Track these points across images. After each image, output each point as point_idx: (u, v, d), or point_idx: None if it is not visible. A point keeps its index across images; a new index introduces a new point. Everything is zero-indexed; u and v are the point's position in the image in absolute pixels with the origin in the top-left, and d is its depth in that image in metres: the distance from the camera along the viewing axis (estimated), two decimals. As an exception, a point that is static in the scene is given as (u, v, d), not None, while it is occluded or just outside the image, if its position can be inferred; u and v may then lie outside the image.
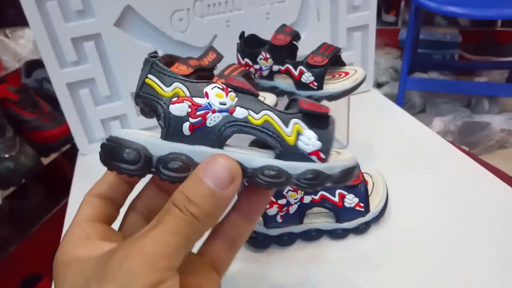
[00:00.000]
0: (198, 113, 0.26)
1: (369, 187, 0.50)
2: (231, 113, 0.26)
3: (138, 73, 0.27)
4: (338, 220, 0.47)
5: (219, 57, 0.56)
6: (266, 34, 0.57)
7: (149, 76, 0.26)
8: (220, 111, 0.26)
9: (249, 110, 0.26)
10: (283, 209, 0.45)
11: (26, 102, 0.94)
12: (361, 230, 0.47)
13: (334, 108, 0.63)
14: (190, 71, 0.51)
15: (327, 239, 0.48)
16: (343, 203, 0.46)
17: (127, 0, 0.60)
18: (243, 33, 0.59)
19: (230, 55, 0.58)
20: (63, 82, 0.63)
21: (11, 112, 0.91)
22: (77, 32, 0.60)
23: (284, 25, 0.57)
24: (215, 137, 0.26)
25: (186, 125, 0.26)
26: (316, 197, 0.46)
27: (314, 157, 0.27)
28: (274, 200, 0.44)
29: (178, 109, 0.26)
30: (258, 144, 0.31)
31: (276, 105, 0.51)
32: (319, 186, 0.27)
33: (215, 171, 0.24)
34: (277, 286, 0.43)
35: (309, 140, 0.27)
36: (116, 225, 0.30)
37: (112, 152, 0.26)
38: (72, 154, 0.73)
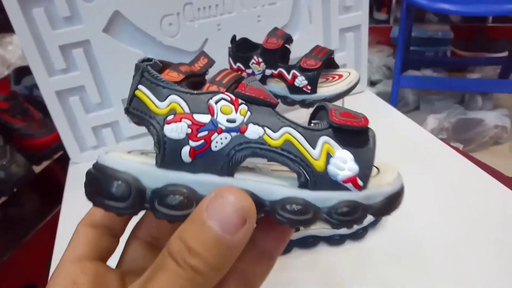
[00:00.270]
0: (200, 134, 0.21)
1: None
2: (242, 133, 0.21)
3: (129, 79, 0.23)
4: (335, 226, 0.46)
5: (211, 62, 0.55)
6: (258, 37, 0.56)
7: (140, 87, 0.22)
8: (228, 130, 0.21)
9: (265, 128, 0.21)
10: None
11: (16, 110, 0.93)
12: (358, 235, 0.47)
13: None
14: (181, 77, 0.50)
15: (324, 245, 0.47)
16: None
17: (115, 6, 0.59)
18: (234, 37, 0.58)
19: (222, 59, 0.57)
20: (52, 90, 0.62)
21: (0, 120, 0.90)
22: (65, 39, 0.59)
23: (276, 29, 0.56)
24: (223, 164, 0.21)
25: (185, 150, 0.21)
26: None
27: (349, 185, 0.22)
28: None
29: (174, 130, 0.21)
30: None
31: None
32: (357, 222, 0.22)
33: (222, 212, 0.19)
34: (275, 295, 0.42)
35: (343, 163, 0.21)
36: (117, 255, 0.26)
37: (96, 185, 0.21)
38: (64, 160, 0.72)
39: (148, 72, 0.22)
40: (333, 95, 0.53)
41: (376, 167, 0.25)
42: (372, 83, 1.84)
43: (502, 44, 1.87)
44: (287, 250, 0.46)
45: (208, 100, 0.21)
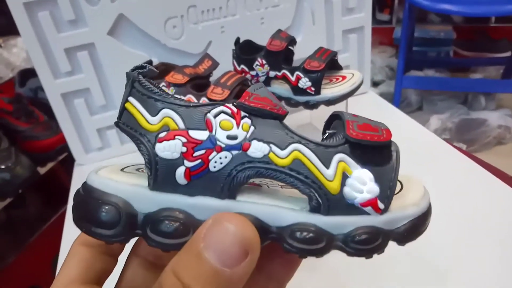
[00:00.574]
0: (196, 153, 0.19)
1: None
2: (245, 151, 0.19)
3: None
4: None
5: (215, 64, 0.55)
6: (261, 39, 0.57)
7: (130, 99, 0.19)
8: (229, 148, 0.19)
9: (271, 145, 0.19)
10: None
11: (21, 112, 0.94)
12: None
13: (332, 111, 0.63)
14: (185, 79, 0.50)
15: (328, 246, 0.47)
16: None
17: (119, 9, 0.60)
18: (238, 39, 0.58)
19: (226, 62, 0.57)
20: (58, 92, 0.62)
21: (5, 122, 0.90)
22: (70, 42, 0.60)
23: (279, 31, 0.56)
24: (223, 186, 0.19)
25: (180, 171, 0.19)
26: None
27: (368, 209, 0.19)
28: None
29: (167, 149, 0.18)
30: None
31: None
32: (377, 251, 0.19)
33: (221, 242, 0.17)
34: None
35: (362, 185, 0.19)
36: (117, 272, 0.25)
37: (84, 209, 0.19)
38: (69, 162, 0.73)
39: (139, 82, 0.19)
40: (336, 97, 0.53)
41: (399, 180, 0.22)
42: (374, 84, 1.84)
43: (505, 44, 1.87)
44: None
45: (206, 113, 0.19)
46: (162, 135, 0.19)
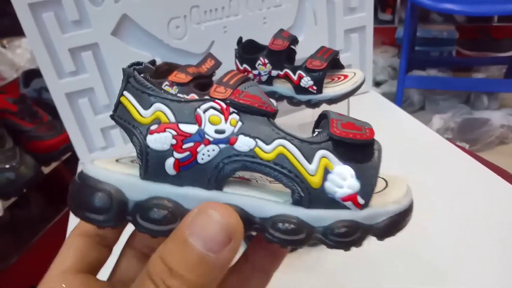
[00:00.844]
0: (185, 145, 0.19)
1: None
2: (232, 144, 0.20)
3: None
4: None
5: (218, 64, 0.56)
6: (264, 38, 0.57)
7: (125, 93, 0.21)
8: (216, 142, 0.20)
9: (257, 140, 0.20)
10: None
11: (25, 112, 0.94)
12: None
13: (334, 110, 0.63)
14: (189, 79, 0.51)
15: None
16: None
17: (123, 9, 0.60)
18: (240, 38, 0.59)
19: (228, 61, 0.58)
20: (62, 92, 0.63)
21: (10, 123, 0.91)
22: (74, 42, 0.60)
23: (281, 30, 0.57)
24: (210, 177, 0.20)
25: (170, 162, 0.20)
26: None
27: (348, 203, 0.20)
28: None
29: (158, 140, 0.19)
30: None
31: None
32: (355, 244, 0.20)
33: (205, 229, 0.18)
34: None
35: (342, 180, 0.20)
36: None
37: (79, 196, 0.20)
38: (73, 162, 0.73)
39: (134, 78, 0.21)
40: (338, 95, 0.53)
41: (384, 179, 0.23)
42: (377, 84, 1.84)
43: (508, 43, 1.87)
44: (292, 249, 0.47)
45: (196, 108, 0.20)
46: (153, 127, 0.20)
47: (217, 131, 0.20)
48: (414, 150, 0.63)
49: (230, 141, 0.20)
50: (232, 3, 0.65)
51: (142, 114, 0.20)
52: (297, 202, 0.20)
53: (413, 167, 0.59)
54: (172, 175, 0.20)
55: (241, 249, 0.23)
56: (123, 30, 0.62)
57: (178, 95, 0.22)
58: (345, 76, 0.56)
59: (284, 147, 0.20)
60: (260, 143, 0.20)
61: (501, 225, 0.47)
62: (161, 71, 0.55)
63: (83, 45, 0.61)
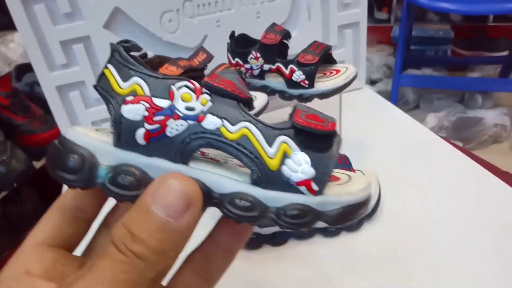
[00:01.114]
0: (156, 118, 0.21)
1: (362, 184, 0.50)
2: (199, 122, 0.21)
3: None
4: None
5: (210, 57, 0.55)
6: (257, 33, 0.57)
7: (108, 66, 0.22)
8: (185, 118, 0.21)
9: (224, 120, 0.21)
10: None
11: (17, 107, 0.94)
12: (353, 227, 0.47)
13: (326, 106, 0.63)
14: (180, 71, 0.50)
15: (320, 237, 0.47)
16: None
17: (115, 2, 0.60)
18: (233, 32, 0.58)
19: (221, 55, 0.57)
20: (53, 85, 0.62)
21: (2, 117, 0.91)
22: (66, 35, 0.60)
23: (274, 24, 0.56)
24: (177, 150, 0.21)
25: (140, 132, 0.21)
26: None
27: (303, 188, 0.21)
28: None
29: (131, 111, 0.21)
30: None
31: (267, 104, 0.51)
32: (305, 226, 0.21)
33: (166, 197, 0.19)
34: (271, 286, 0.43)
35: (298, 165, 0.21)
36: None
37: (55, 156, 0.21)
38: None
39: (119, 52, 0.22)
40: (330, 90, 0.53)
41: (348, 175, 0.24)
42: (372, 82, 1.85)
43: (503, 43, 1.87)
44: (283, 241, 0.47)
45: (170, 85, 0.21)
46: (129, 98, 0.21)
47: (187, 108, 0.21)
48: (407, 146, 0.64)
49: (198, 118, 0.21)
50: (225, -3, 0.64)
51: (121, 85, 0.21)
52: (255, 182, 0.21)
53: (406, 163, 0.59)
54: (142, 144, 0.21)
55: (208, 229, 0.25)
56: (115, 23, 0.62)
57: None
58: (337, 71, 0.56)
59: (248, 129, 0.21)
60: (226, 123, 0.21)
61: (494, 221, 0.48)
62: (153, 64, 0.55)
63: (75, 38, 0.61)
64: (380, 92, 0.82)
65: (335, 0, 0.71)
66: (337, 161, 0.22)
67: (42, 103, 0.85)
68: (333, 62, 0.57)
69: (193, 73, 0.53)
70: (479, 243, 0.45)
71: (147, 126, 0.21)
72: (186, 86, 0.21)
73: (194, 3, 0.63)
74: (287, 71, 0.54)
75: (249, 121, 0.21)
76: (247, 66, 0.56)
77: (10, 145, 0.84)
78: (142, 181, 0.21)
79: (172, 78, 0.21)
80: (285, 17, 0.70)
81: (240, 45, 0.58)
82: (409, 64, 1.75)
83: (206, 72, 0.54)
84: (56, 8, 0.58)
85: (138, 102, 0.21)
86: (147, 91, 0.21)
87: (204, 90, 0.22)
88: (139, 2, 0.61)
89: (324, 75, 0.56)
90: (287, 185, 0.21)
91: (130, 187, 0.20)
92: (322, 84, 0.53)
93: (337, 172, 0.25)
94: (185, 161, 0.21)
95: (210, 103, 0.21)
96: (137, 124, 0.21)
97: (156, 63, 0.57)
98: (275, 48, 0.54)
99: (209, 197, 0.21)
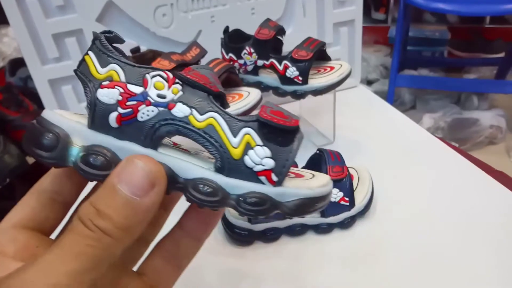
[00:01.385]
0: (129, 103, 0.22)
1: (354, 181, 0.50)
2: (170, 109, 0.22)
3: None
4: (323, 215, 0.46)
5: (203, 52, 0.55)
6: (252, 29, 0.56)
7: (89, 52, 0.23)
8: (156, 104, 0.22)
9: (193, 109, 0.22)
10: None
11: (11, 101, 0.93)
12: (346, 224, 0.47)
13: (321, 104, 0.63)
14: (172, 66, 0.50)
15: (312, 234, 0.47)
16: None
17: (109, -5, 0.59)
18: (227, 27, 0.58)
19: (215, 51, 0.57)
20: (45, 79, 0.62)
21: (-6, 111, 0.90)
22: (58, 28, 0.59)
23: (268, 20, 0.56)
24: (146, 135, 0.22)
25: (113, 115, 0.22)
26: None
27: (263, 178, 0.22)
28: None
29: (106, 94, 0.22)
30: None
31: (260, 100, 0.50)
32: (263, 214, 0.22)
33: (131, 175, 0.20)
34: (262, 282, 0.43)
35: (259, 157, 0.22)
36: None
37: (32, 134, 0.22)
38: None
39: (100, 40, 0.23)
40: (324, 87, 0.53)
41: (312, 173, 0.26)
42: (369, 82, 1.85)
43: (499, 45, 1.88)
44: (275, 238, 0.47)
45: (145, 74, 0.22)
46: (105, 83, 0.22)
47: (159, 96, 0.22)
48: (402, 145, 0.63)
49: (168, 106, 0.22)
50: (220, -7, 0.64)
51: (99, 71, 0.23)
52: (218, 169, 0.23)
53: (401, 161, 0.59)
54: (114, 127, 0.22)
55: (177, 218, 0.26)
56: (108, 16, 0.61)
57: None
58: (331, 68, 0.56)
59: (215, 119, 0.23)
60: (194, 112, 0.22)
61: (489, 220, 0.47)
62: (146, 58, 0.54)
63: (67, 31, 0.60)
64: (376, 92, 0.82)
65: (331, -3, 0.71)
66: (295, 155, 0.23)
67: (36, 98, 0.84)
68: (328, 59, 0.57)
69: (186, 67, 0.53)
70: (473, 242, 0.45)
71: (120, 110, 0.22)
72: (160, 76, 0.23)
73: (189, -2, 0.63)
74: (281, 67, 0.53)
75: (216, 112, 0.23)
76: (241, 61, 0.56)
77: (3, 140, 0.83)
78: (112, 162, 0.22)
79: (147, 68, 0.23)
80: (280, 14, 0.69)
81: (234, 40, 0.57)
82: (405, 65, 1.76)
83: (199, 67, 0.54)
84: (48, 1, 0.58)
85: (113, 87, 0.22)
86: (123, 78, 0.22)
87: (176, 80, 0.23)
88: (133, -4, 0.60)
89: (318, 71, 0.56)
90: (249, 174, 0.22)
91: (100, 167, 0.22)
92: (316, 80, 0.53)
93: (303, 171, 0.26)
94: (154, 146, 0.23)
95: (181, 93, 0.23)
96: (111, 108, 0.22)
97: (149, 57, 0.57)
98: (269, 44, 0.54)
99: (174, 181, 0.22)
